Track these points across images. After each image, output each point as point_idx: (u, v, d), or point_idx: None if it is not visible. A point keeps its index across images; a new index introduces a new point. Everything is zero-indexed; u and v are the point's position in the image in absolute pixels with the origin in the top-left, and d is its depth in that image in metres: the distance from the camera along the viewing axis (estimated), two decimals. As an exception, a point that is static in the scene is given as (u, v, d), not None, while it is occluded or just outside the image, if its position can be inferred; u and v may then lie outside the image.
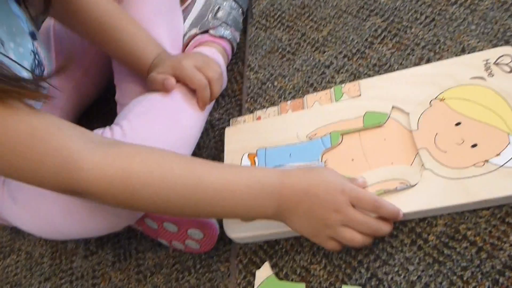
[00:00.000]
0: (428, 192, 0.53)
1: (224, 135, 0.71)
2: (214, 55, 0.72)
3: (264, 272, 0.58)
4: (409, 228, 0.54)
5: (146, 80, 0.67)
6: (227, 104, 0.78)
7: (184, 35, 0.78)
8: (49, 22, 0.81)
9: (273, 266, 0.59)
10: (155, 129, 0.62)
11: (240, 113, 0.75)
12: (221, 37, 0.76)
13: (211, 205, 0.52)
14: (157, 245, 0.69)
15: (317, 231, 0.52)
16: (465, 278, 0.49)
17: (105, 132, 0.60)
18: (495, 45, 0.60)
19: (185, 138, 0.65)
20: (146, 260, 0.69)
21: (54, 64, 0.74)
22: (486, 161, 0.52)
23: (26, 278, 0.78)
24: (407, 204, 0.53)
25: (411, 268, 0.52)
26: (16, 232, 0.84)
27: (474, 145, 0.54)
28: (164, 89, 0.65)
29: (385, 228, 0.52)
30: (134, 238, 0.72)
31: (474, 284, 0.49)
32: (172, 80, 0.64)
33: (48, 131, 0.48)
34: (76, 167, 0.48)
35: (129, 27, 0.68)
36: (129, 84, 0.72)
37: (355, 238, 0.51)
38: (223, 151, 0.70)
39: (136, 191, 0.50)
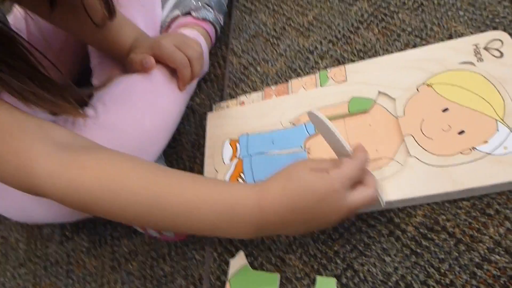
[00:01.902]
0: (412, 180, 0.51)
1: (205, 121, 0.69)
2: (195, 37, 0.70)
3: (239, 261, 0.57)
4: (388, 218, 0.53)
5: (125, 62, 0.65)
6: (209, 89, 0.76)
7: (166, 17, 0.75)
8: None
9: (248, 255, 0.57)
10: (131, 112, 0.60)
11: (221, 98, 0.73)
12: (204, 19, 0.74)
13: (173, 225, 0.48)
14: (132, 232, 0.68)
15: (326, 226, 0.49)
16: (442, 271, 0.48)
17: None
18: (483, 32, 0.58)
19: (163, 123, 0.63)
20: (121, 247, 0.67)
21: None
22: (473, 148, 0.50)
23: (1, 264, 0.76)
24: (390, 192, 0.51)
25: (387, 259, 0.50)
26: (-8, 216, 0.83)
27: (461, 132, 0.52)
28: (143, 69, 0.62)
29: (365, 157, 0.48)
30: (110, 224, 0.70)
31: (451, 276, 0.47)
32: (151, 59, 0.62)
33: (10, 131, 0.46)
34: (32, 173, 0.46)
35: None
36: (106, 68, 0.69)
37: (366, 196, 0.46)
38: (203, 136, 0.68)
39: (89, 205, 0.47)
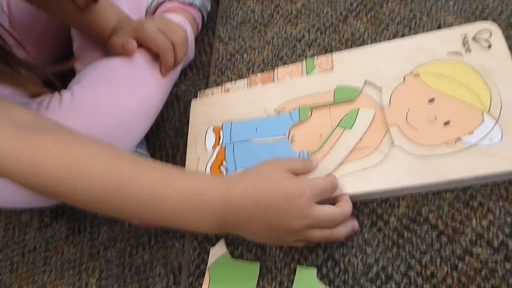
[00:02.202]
0: (395, 170, 0.51)
1: (189, 108, 0.68)
2: (181, 22, 0.69)
3: (219, 250, 0.56)
4: (370, 209, 0.52)
5: (107, 45, 0.63)
6: (194, 76, 0.74)
7: (152, 1, 0.74)
8: None
9: (228, 244, 0.56)
10: (110, 97, 0.58)
11: (207, 86, 0.72)
12: (191, 4, 0.72)
13: (137, 212, 0.46)
14: (112, 219, 0.66)
15: (280, 238, 0.48)
16: (423, 262, 0.47)
17: (53, 97, 0.56)
18: (472, 22, 0.57)
19: (144, 108, 0.61)
20: (101, 234, 0.66)
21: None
22: (459, 139, 0.50)
23: (-22, 250, 0.75)
24: (373, 182, 0.51)
25: (369, 250, 0.50)
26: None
27: (446, 122, 0.51)
28: (124, 52, 0.61)
29: (348, 208, 0.49)
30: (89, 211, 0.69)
31: (432, 268, 0.46)
32: (133, 43, 0.60)
33: None
34: None
35: None
36: (89, 52, 0.67)
37: (323, 236, 0.47)
38: (187, 124, 0.67)
39: (50, 188, 0.45)
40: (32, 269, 0.68)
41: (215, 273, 0.54)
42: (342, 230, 0.48)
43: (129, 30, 0.62)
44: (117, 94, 0.58)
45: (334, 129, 0.55)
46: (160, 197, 0.45)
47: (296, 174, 0.48)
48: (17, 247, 0.71)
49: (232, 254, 0.55)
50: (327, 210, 0.47)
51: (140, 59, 0.62)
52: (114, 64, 0.61)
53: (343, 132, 0.54)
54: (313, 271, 0.51)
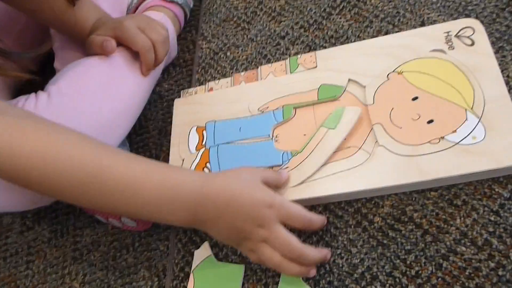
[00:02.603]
0: (379, 169, 0.50)
1: (173, 107, 0.67)
2: (162, 20, 0.67)
3: (203, 252, 0.55)
4: (355, 209, 0.52)
5: (85, 44, 0.62)
6: (178, 75, 0.73)
7: (133, -1, 0.72)
8: None
9: (213, 246, 0.55)
10: (87, 97, 0.56)
11: (190, 84, 0.71)
12: (173, 1, 0.71)
13: (112, 201, 0.46)
14: (96, 221, 0.65)
15: (238, 242, 0.48)
16: (408, 262, 0.47)
17: (29, 99, 0.54)
18: (456, 19, 0.57)
19: (124, 109, 0.60)
20: (84, 237, 0.65)
21: None
22: (442, 137, 0.49)
23: (-42, 254, 0.73)
24: (357, 182, 0.51)
25: (354, 250, 0.49)
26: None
27: (430, 121, 0.51)
28: (103, 51, 0.59)
29: (311, 257, 0.47)
30: (72, 213, 0.67)
31: (417, 268, 0.46)
32: (112, 42, 0.59)
33: None
34: None
35: None
36: (69, 51, 0.66)
37: (273, 258, 0.46)
38: (171, 123, 0.66)
39: (24, 173, 0.44)
40: (14, 274, 0.67)
41: (199, 275, 0.54)
42: (293, 269, 0.46)
43: (108, 29, 0.60)
44: (95, 95, 0.57)
45: (318, 129, 0.55)
46: (138, 186, 0.45)
47: (269, 185, 0.49)
48: (-2, 251, 0.70)
49: (216, 256, 0.55)
50: (286, 235, 0.46)
51: (119, 58, 0.60)
52: (92, 64, 0.59)
53: (326, 132, 0.54)
54: (298, 273, 0.50)
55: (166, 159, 0.64)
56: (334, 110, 0.55)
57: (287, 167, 0.54)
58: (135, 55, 0.61)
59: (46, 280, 0.64)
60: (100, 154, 0.46)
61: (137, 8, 0.72)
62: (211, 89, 0.67)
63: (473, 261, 0.45)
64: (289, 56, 0.65)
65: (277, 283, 0.51)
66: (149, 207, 0.46)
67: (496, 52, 0.53)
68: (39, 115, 0.49)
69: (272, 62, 0.65)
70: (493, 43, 0.54)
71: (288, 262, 0.46)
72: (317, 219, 0.49)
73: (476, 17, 0.57)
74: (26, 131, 0.44)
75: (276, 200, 0.46)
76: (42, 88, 0.58)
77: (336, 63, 0.60)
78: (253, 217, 0.46)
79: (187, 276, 0.55)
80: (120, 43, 0.61)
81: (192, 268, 0.54)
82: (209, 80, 0.69)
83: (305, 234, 0.52)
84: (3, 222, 0.73)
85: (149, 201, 0.46)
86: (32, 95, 0.55)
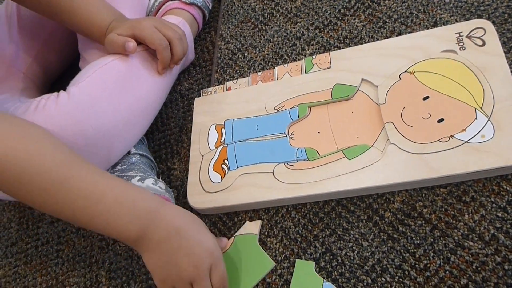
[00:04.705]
0: (391, 166, 0.52)
1: (193, 105, 0.70)
2: (180, 25, 0.70)
3: (252, 227, 0.58)
4: (367, 204, 0.54)
5: (104, 42, 0.64)
6: (197, 74, 0.76)
7: (154, 2, 0.75)
8: None
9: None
10: (106, 96, 0.59)
11: (209, 84, 0.74)
12: (192, 3, 0.74)
13: (73, 208, 0.48)
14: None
15: (167, 277, 0.50)
16: (417, 256, 0.49)
17: (51, 97, 0.57)
18: (468, 19, 0.59)
19: (141, 107, 0.62)
20: (110, 229, 0.69)
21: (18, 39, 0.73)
22: (452, 136, 0.51)
23: (-7, 243, 0.78)
24: (369, 178, 0.53)
25: (365, 244, 0.52)
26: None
27: (440, 120, 0.53)
28: (124, 51, 0.61)
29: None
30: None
31: (425, 261, 0.48)
32: (134, 43, 0.61)
33: None
34: None
35: None
36: (92, 51, 0.69)
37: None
38: (191, 121, 0.69)
39: None
40: (45, 262, 0.71)
41: (239, 242, 0.57)
42: None
43: (126, 28, 0.62)
44: (113, 94, 0.60)
45: (337, 151, 0.56)
46: (99, 196, 0.48)
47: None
48: (30, 240, 0.75)
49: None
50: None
51: (137, 58, 0.63)
52: (110, 64, 0.61)
53: (341, 158, 0.56)
54: (311, 265, 0.53)
55: (186, 155, 0.67)
56: (360, 144, 0.56)
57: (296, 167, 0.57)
58: (152, 55, 0.64)
59: (75, 267, 0.68)
60: (70, 163, 0.49)
61: (157, 11, 0.75)
62: (230, 88, 0.69)
63: (480, 255, 0.47)
64: (305, 56, 0.68)
65: (291, 274, 0.53)
66: (105, 217, 0.48)
67: (507, 52, 0.54)
68: (21, 118, 0.52)
69: (288, 62, 0.68)
70: (504, 43, 0.55)
71: None
72: None
73: (488, 17, 0.58)
74: (1, 133, 0.46)
75: (217, 254, 0.51)
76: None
77: (350, 63, 0.61)
78: (191, 255, 0.49)
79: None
80: (137, 43, 0.62)
81: (236, 233, 0.58)
82: (227, 80, 0.72)
83: (319, 228, 0.54)
84: (35, 212, 0.77)
85: (108, 211, 0.48)
86: (54, 93, 0.58)
